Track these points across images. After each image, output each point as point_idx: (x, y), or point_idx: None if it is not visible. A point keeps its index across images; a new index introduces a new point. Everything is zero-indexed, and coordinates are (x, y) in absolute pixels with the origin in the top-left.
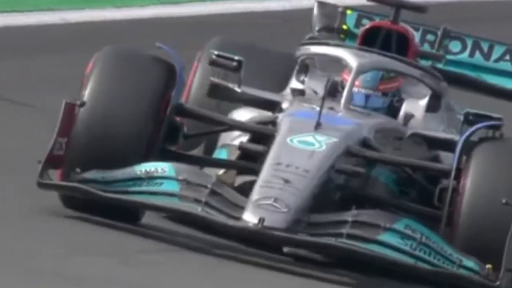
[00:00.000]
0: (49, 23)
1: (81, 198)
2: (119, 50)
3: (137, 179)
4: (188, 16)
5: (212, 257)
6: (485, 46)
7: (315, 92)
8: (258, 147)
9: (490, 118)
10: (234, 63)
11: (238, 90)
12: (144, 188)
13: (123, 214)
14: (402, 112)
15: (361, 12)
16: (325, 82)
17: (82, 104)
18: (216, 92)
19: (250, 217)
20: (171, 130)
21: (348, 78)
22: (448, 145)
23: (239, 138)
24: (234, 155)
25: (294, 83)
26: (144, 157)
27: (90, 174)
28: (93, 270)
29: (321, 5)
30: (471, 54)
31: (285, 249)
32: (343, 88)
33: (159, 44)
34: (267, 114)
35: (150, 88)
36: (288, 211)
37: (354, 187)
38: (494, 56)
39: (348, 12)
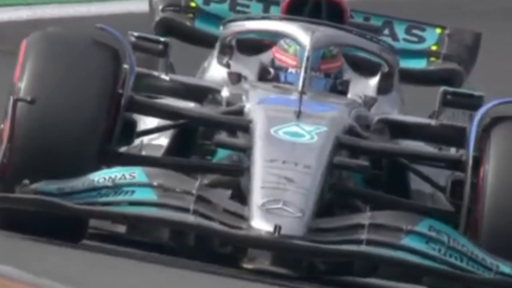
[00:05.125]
0: None
1: (18, 216)
2: (52, 34)
3: (102, 188)
4: None
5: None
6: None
7: (245, 77)
8: (239, 141)
9: (470, 96)
10: (160, 46)
11: (165, 78)
12: (111, 198)
13: (66, 233)
14: (351, 96)
15: None
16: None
17: (32, 101)
18: (136, 82)
19: (261, 225)
20: (123, 127)
21: (280, 55)
22: (426, 131)
23: (158, 139)
24: None
25: (216, 67)
26: (98, 162)
27: (42, 186)
28: None
29: None
30: None
31: (246, 264)
32: (274, 68)
33: (101, 25)
34: (191, 105)
35: (96, 78)
36: (302, 216)
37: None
38: None
39: None
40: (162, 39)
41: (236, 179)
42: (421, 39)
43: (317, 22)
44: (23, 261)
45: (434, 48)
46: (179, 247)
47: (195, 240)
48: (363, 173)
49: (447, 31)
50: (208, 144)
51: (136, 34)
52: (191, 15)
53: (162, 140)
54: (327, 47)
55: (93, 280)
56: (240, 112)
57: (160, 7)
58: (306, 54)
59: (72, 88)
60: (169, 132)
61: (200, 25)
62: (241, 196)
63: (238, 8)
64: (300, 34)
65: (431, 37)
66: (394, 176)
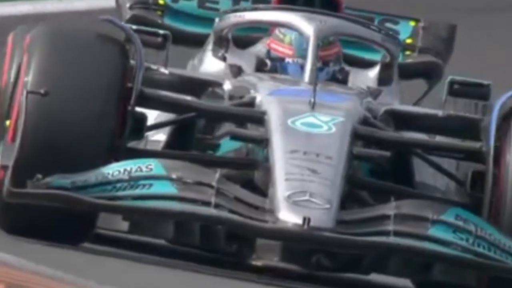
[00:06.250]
0: None
1: (25, 215)
2: (58, 28)
3: (117, 182)
4: None
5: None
6: None
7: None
8: (254, 133)
9: (479, 85)
10: (159, 39)
11: (165, 71)
12: (128, 192)
13: (68, 234)
14: (351, 85)
15: None
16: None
17: (46, 93)
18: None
19: (289, 217)
20: (133, 122)
21: (276, 46)
22: (433, 122)
23: (156, 135)
24: None
25: (211, 60)
26: (108, 157)
27: (55, 180)
28: None
29: None
30: None
31: (255, 262)
32: (271, 59)
33: (107, 17)
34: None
35: (105, 73)
36: (330, 207)
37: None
38: None
39: None
40: (161, 31)
41: (243, 173)
42: (395, 33)
43: (318, 12)
44: (24, 250)
45: (409, 41)
46: (184, 245)
47: (201, 238)
48: (383, 163)
49: (421, 24)
50: (209, 138)
51: (134, 27)
52: (159, 13)
53: (160, 136)
54: (330, 37)
55: (95, 269)
56: (251, 104)
57: (128, 4)
58: (311, 44)
59: (80, 83)
60: (166, 127)
61: (169, 23)
62: (252, 189)
63: (207, 4)
64: (303, 25)
65: (405, 30)
66: (399, 168)
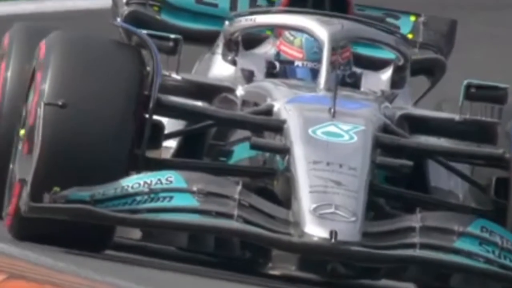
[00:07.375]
0: None
1: (42, 226)
2: (74, 35)
3: (136, 195)
4: None
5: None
6: None
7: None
8: (276, 143)
9: (496, 88)
10: (170, 43)
11: (177, 77)
12: (148, 205)
13: (88, 242)
14: (364, 89)
15: None
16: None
17: (64, 105)
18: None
19: (315, 231)
20: (151, 131)
21: (285, 48)
22: (449, 127)
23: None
24: None
25: (221, 64)
26: (127, 167)
27: (74, 193)
28: None
29: None
30: None
31: (272, 271)
32: (280, 62)
33: (119, 22)
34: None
35: (123, 80)
36: (356, 220)
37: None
38: None
39: None
40: (172, 36)
41: (257, 180)
42: (396, 28)
43: (331, 15)
44: (25, 242)
45: (409, 36)
46: (197, 253)
47: (215, 245)
48: (406, 173)
49: (422, 19)
50: (222, 144)
51: (145, 31)
52: (156, 8)
53: (170, 142)
54: (344, 41)
55: (96, 261)
56: (268, 112)
57: (124, 0)
58: (325, 50)
59: (98, 92)
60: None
61: (166, 18)
62: (268, 197)
63: (205, 0)
64: (317, 28)
65: (405, 26)
66: (414, 172)
